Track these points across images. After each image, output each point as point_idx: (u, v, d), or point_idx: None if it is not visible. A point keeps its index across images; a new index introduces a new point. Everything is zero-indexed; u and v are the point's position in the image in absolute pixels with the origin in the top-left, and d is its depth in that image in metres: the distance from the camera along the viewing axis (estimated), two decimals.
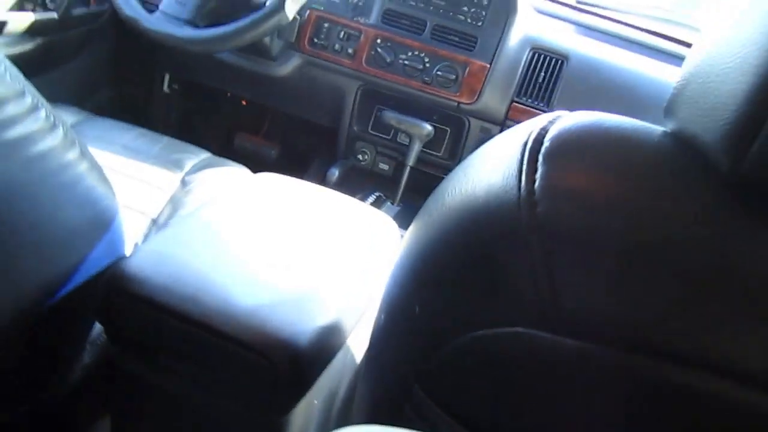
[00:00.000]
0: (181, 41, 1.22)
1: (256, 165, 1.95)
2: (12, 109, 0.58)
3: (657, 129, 0.39)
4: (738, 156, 0.31)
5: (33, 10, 1.39)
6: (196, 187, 1.16)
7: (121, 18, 1.26)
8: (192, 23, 1.24)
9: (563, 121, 0.38)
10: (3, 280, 0.64)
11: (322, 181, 1.69)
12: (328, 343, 0.72)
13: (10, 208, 0.61)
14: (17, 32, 1.35)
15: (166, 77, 1.83)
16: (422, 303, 0.42)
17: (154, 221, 1.10)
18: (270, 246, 0.80)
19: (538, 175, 0.35)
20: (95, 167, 0.71)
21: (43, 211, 0.64)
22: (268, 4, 1.22)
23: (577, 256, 0.34)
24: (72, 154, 0.66)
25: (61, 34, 1.46)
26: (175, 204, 1.13)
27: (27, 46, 1.40)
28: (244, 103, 1.93)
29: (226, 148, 1.98)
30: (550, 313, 0.34)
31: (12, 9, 1.35)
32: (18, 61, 1.37)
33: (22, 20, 1.34)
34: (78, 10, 1.48)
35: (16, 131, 0.58)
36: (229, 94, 1.90)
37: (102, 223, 0.73)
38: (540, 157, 0.36)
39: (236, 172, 1.24)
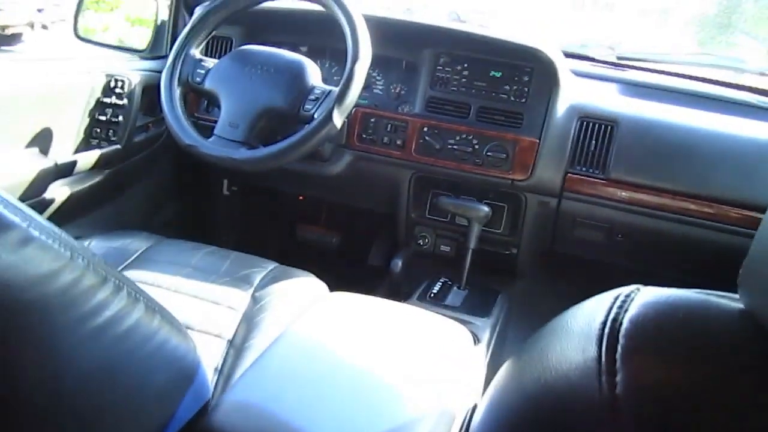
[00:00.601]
0: (238, 163, 1.27)
1: (319, 254, 1.99)
2: (101, 294, 0.61)
3: (733, 309, 0.38)
4: None
5: (98, 146, 1.47)
6: (267, 303, 1.19)
7: (180, 146, 1.32)
8: (246, 143, 1.29)
9: (635, 307, 0.38)
10: None
11: (386, 265, 1.70)
12: None
13: (106, 385, 0.64)
14: (86, 169, 1.43)
15: (225, 182, 1.90)
16: None
17: (231, 342, 1.12)
18: (351, 375, 0.81)
19: (618, 379, 0.35)
20: (175, 325, 0.74)
21: (135, 380, 0.67)
22: (316, 117, 1.25)
23: None
24: (156, 322, 0.69)
25: (125, 162, 1.55)
26: (248, 323, 1.15)
27: (95, 180, 1.48)
28: (301, 198, 1.98)
29: (289, 241, 2.03)
30: None
31: (78, 147, 1.44)
32: (87, 194, 1.46)
33: (89, 158, 1.43)
34: (139, 137, 1.57)
35: (105, 314, 0.61)
36: (286, 192, 1.96)
37: (188, 377, 0.75)
38: (618, 358, 0.36)
39: (305, 283, 1.26)
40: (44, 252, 0.54)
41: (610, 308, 0.38)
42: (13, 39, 7.09)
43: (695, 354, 0.35)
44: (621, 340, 0.36)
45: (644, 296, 0.38)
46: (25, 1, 6.66)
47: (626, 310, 0.38)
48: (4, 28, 6.66)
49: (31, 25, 6.86)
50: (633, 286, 0.40)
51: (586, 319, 0.40)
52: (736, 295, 0.38)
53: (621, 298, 0.39)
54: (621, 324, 0.37)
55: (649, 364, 0.35)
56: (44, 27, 7.05)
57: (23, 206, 0.57)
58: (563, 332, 0.42)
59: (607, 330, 0.37)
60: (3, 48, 7.11)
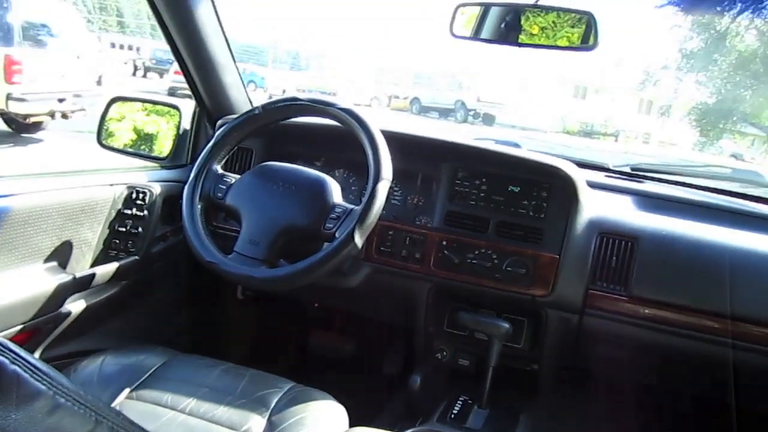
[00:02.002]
0: (257, 282, 1.25)
1: (333, 361, 1.95)
2: None
3: None
4: None
5: (116, 258, 1.47)
6: (285, 430, 1.15)
7: (201, 263, 1.31)
8: (267, 261, 1.28)
9: None
10: None
11: (401, 374, 1.66)
12: None
13: None
14: (103, 282, 1.42)
15: (239, 287, 1.88)
16: None
17: None
18: None
19: None
20: None
21: None
22: (338, 236, 1.24)
23: None
24: None
25: (142, 272, 1.54)
26: None
27: (111, 291, 1.47)
28: (316, 305, 1.96)
29: (302, 347, 1.99)
30: None
31: (97, 259, 1.44)
32: (103, 306, 1.44)
33: (107, 270, 1.42)
34: (157, 248, 1.57)
35: None
36: (300, 298, 1.94)
37: None
38: None
39: (323, 408, 1.23)
40: (72, 417, 0.55)
41: None
42: (34, 127, 7.31)
43: None
44: None
45: None
46: (47, 91, 6.89)
47: None
48: (26, 117, 6.88)
49: (52, 115, 7.07)
50: None
51: None
52: None
53: None
54: None
55: None
56: (64, 116, 7.26)
57: (50, 369, 0.56)
58: None
59: None
60: (23, 135, 7.31)
